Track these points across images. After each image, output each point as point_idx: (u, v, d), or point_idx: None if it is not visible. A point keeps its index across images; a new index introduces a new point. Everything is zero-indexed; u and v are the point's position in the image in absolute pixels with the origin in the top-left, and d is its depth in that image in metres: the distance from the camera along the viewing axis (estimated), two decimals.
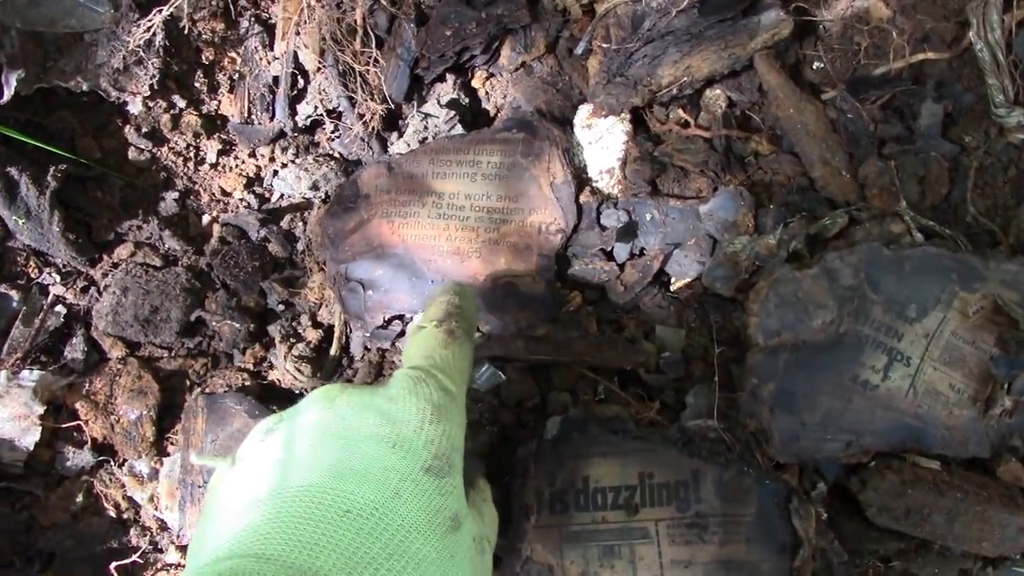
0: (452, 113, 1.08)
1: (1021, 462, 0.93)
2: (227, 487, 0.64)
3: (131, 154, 1.09)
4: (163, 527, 1.01)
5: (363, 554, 0.54)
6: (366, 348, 1.04)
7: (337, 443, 0.61)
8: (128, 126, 1.09)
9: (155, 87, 1.07)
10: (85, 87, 1.04)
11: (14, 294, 1.03)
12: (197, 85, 1.12)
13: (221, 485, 0.65)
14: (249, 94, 1.12)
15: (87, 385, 1.01)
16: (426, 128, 1.08)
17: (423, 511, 0.59)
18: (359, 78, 1.07)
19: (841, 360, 0.91)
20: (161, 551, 1.01)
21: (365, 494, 0.57)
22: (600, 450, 0.89)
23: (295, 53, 1.10)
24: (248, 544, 0.54)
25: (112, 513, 1.00)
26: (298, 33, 1.10)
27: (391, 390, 0.65)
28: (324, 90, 1.11)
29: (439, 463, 0.62)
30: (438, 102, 1.09)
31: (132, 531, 1.01)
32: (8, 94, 0.99)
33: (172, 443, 1.02)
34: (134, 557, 0.98)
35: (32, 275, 1.04)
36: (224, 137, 1.13)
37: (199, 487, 0.95)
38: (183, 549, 0.99)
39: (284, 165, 1.12)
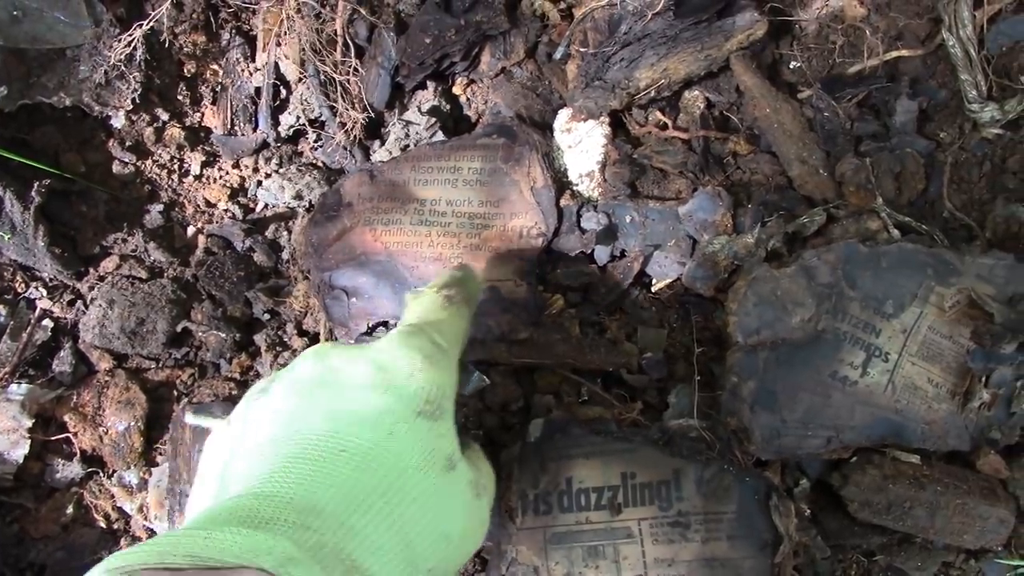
0: (433, 120, 1.09)
1: (1000, 455, 0.94)
2: (222, 446, 0.65)
3: (115, 168, 1.10)
4: (153, 537, 1.01)
5: (360, 489, 0.55)
6: None
7: (330, 391, 0.62)
8: (112, 140, 1.10)
9: (138, 101, 1.08)
10: (68, 102, 1.05)
11: (1, 309, 1.03)
12: (180, 98, 1.13)
13: (216, 445, 0.66)
14: (232, 106, 1.13)
15: (75, 398, 1.02)
16: (408, 136, 1.09)
17: (418, 450, 0.61)
18: (340, 87, 1.08)
19: (820, 357, 0.92)
20: None
21: (360, 434, 0.59)
22: (583, 451, 0.90)
23: (276, 64, 1.11)
24: (246, 486, 0.55)
25: (102, 524, 1.01)
26: (279, 44, 1.11)
27: (383, 343, 0.67)
28: (306, 100, 1.11)
29: (431, 407, 0.63)
30: (419, 109, 1.10)
31: (122, 541, 1.01)
32: None
33: (160, 453, 1.02)
34: None
35: (19, 290, 1.05)
36: (208, 149, 1.14)
37: (188, 496, 0.96)
38: None
39: (268, 175, 1.13)
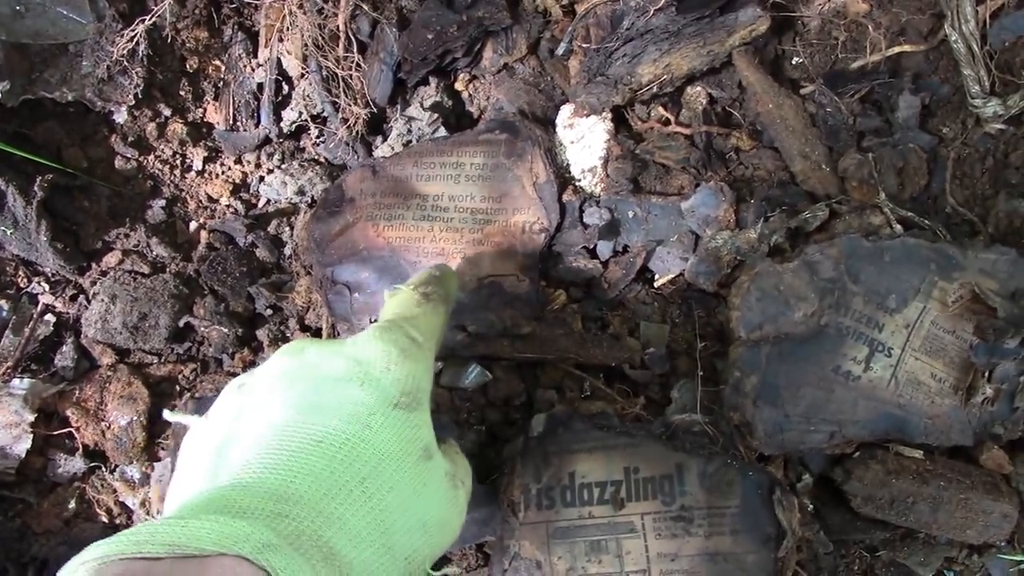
0: (435, 116, 1.09)
1: (1003, 449, 0.94)
2: (200, 441, 0.65)
3: (118, 163, 1.10)
4: None
5: (336, 477, 0.56)
6: None
7: (307, 385, 0.63)
8: (114, 135, 1.10)
9: (140, 96, 1.08)
10: (70, 97, 1.05)
11: (3, 304, 1.03)
12: (182, 93, 1.13)
13: (194, 441, 0.66)
14: (234, 101, 1.13)
15: (77, 392, 1.02)
16: (410, 131, 1.09)
17: (394, 440, 0.61)
18: (342, 83, 1.08)
19: (823, 352, 0.92)
20: None
21: (337, 426, 0.59)
22: (586, 446, 0.90)
23: (279, 60, 1.11)
24: (224, 477, 0.56)
25: (104, 519, 1.01)
26: (281, 40, 1.11)
27: (359, 337, 0.68)
28: (308, 96, 1.11)
29: (407, 399, 0.64)
30: (421, 105, 1.10)
31: None
32: None
33: (163, 448, 1.02)
34: None
35: (21, 285, 1.05)
36: (210, 144, 1.14)
37: None
38: None
39: (270, 171, 1.13)
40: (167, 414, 0.74)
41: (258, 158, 1.13)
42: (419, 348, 0.69)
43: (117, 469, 1.02)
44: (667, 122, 1.06)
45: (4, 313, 1.03)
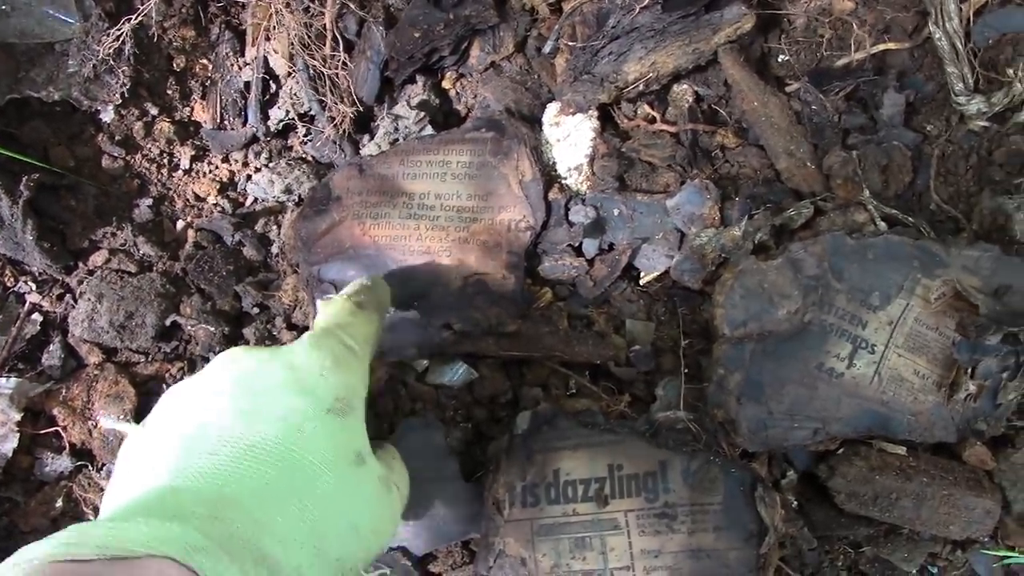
0: (422, 114, 1.09)
1: (986, 446, 0.95)
2: (136, 447, 0.65)
3: (104, 162, 1.10)
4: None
5: (269, 482, 0.57)
6: None
7: (242, 391, 0.64)
8: (101, 134, 1.10)
9: (127, 95, 1.08)
10: (57, 97, 1.05)
11: None
12: (169, 92, 1.13)
13: (131, 447, 0.66)
14: (221, 100, 1.13)
15: (64, 391, 1.02)
16: (397, 130, 1.09)
17: (327, 445, 0.63)
18: (329, 82, 1.08)
19: (806, 349, 0.92)
20: None
21: (270, 431, 0.61)
22: (570, 443, 0.90)
23: (265, 58, 1.11)
24: (157, 481, 0.57)
25: (91, 517, 1.01)
26: (268, 39, 1.11)
27: (294, 346, 0.69)
28: (295, 94, 1.11)
29: (340, 404, 0.66)
30: (408, 104, 1.10)
31: None
32: None
33: None
34: None
35: (8, 284, 1.05)
36: (197, 143, 1.14)
37: None
38: None
39: (257, 169, 1.13)
40: (103, 421, 0.75)
41: (245, 157, 1.13)
42: (353, 355, 0.71)
43: (104, 468, 1.02)
44: (653, 120, 1.06)
45: None
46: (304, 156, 1.14)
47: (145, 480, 0.59)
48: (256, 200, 1.13)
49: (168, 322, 1.04)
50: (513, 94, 1.10)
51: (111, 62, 1.06)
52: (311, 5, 1.08)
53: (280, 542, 0.54)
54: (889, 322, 0.92)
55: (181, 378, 1.05)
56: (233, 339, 1.06)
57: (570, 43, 1.06)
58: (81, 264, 1.07)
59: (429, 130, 1.09)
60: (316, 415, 0.64)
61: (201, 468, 0.57)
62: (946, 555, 0.97)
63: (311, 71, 1.10)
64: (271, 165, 1.12)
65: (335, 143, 1.11)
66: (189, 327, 1.05)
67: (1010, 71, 0.99)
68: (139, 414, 1.02)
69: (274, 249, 1.10)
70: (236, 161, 1.14)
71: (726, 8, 1.02)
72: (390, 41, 1.08)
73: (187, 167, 1.13)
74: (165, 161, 1.13)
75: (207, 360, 1.06)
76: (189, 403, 0.65)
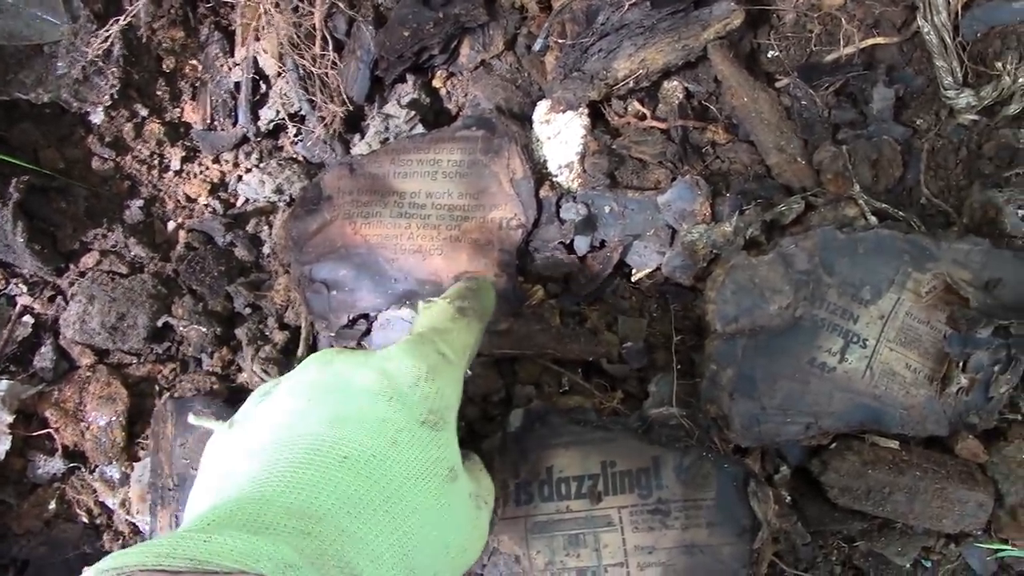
0: (413, 113, 1.09)
1: (978, 439, 0.95)
2: (224, 448, 0.64)
3: (95, 164, 1.10)
4: (135, 531, 1.02)
5: (361, 496, 0.55)
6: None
7: (334, 397, 0.62)
8: (91, 136, 1.10)
9: (116, 97, 1.08)
10: (46, 99, 1.05)
11: None
12: (159, 93, 1.13)
13: (218, 447, 0.65)
14: (211, 100, 1.13)
15: (57, 393, 1.02)
16: (387, 129, 1.09)
17: (420, 460, 0.60)
18: (319, 81, 1.08)
19: (798, 344, 0.92)
20: None
21: (363, 442, 0.58)
22: (563, 440, 0.90)
23: (255, 59, 1.11)
24: (247, 489, 0.55)
25: (84, 519, 1.01)
26: (257, 39, 1.11)
27: (389, 351, 0.66)
28: (285, 94, 1.11)
29: (434, 417, 0.63)
30: (399, 103, 1.10)
31: (105, 536, 1.01)
32: None
33: (142, 448, 1.02)
34: None
35: None
36: (187, 144, 1.14)
37: (169, 490, 0.96)
38: None
39: (248, 170, 1.13)
40: (192, 418, 0.73)
41: (236, 157, 1.13)
42: (449, 365, 0.68)
43: (97, 469, 1.02)
44: (643, 117, 1.06)
45: None
46: (295, 156, 1.14)
47: (233, 487, 0.57)
48: (247, 200, 1.13)
49: (160, 323, 1.04)
50: (503, 92, 1.10)
51: (100, 63, 1.06)
52: (300, 5, 1.07)
53: (371, 560, 0.53)
54: (880, 316, 0.92)
55: (173, 379, 1.05)
56: (225, 340, 1.06)
57: (560, 41, 1.06)
58: (72, 266, 1.06)
59: (420, 129, 1.09)
60: (409, 427, 0.61)
61: (292, 478, 0.55)
62: (939, 548, 0.97)
63: (301, 71, 1.10)
64: (262, 165, 1.12)
65: (325, 143, 1.11)
66: (181, 328, 1.05)
67: (999, 64, 0.99)
68: (131, 415, 1.02)
69: (265, 249, 1.10)
70: (227, 161, 1.14)
71: (715, 4, 1.02)
72: (380, 40, 1.08)
73: (178, 168, 1.13)
74: (155, 162, 1.13)
75: (199, 361, 1.06)
76: (279, 406, 0.63)
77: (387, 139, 1.09)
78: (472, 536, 0.66)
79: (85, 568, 0.45)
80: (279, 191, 1.10)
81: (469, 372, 0.96)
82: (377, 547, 0.54)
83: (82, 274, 1.06)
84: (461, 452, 0.67)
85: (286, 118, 1.11)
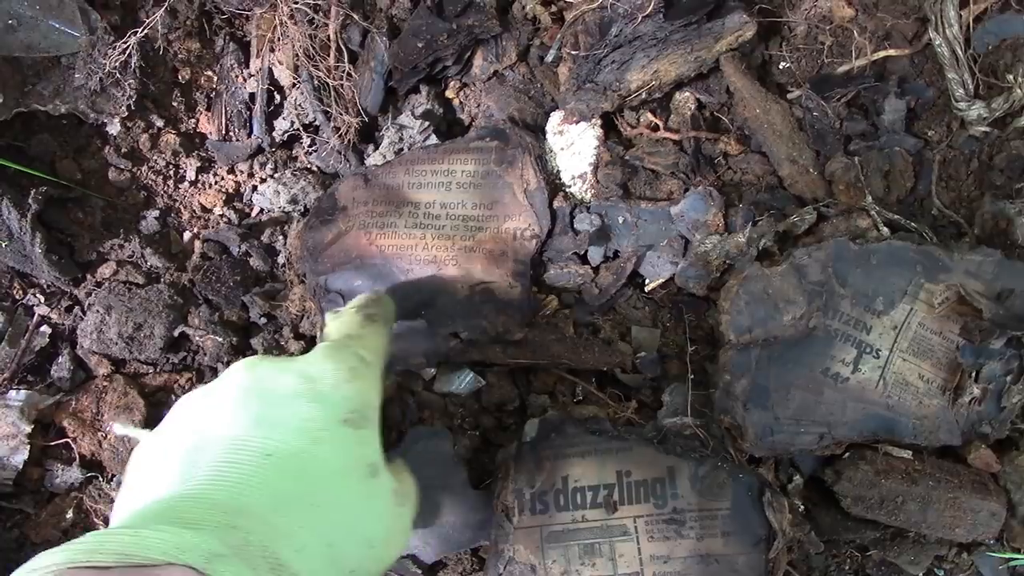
0: (426, 124, 1.10)
1: (991, 449, 0.95)
2: (148, 454, 0.65)
3: (111, 175, 1.10)
4: None
5: (285, 491, 0.57)
6: None
7: (258, 400, 0.64)
8: (107, 147, 1.11)
9: (133, 108, 1.09)
10: (64, 110, 1.06)
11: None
12: (175, 104, 1.13)
13: (143, 454, 0.66)
14: (226, 111, 1.14)
15: (74, 403, 1.03)
16: (401, 139, 1.10)
17: (342, 456, 0.63)
18: (334, 92, 1.09)
19: (812, 354, 0.93)
20: None
21: (286, 440, 0.61)
22: (578, 450, 0.91)
23: (270, 70, 1.12)
24: (172, 490, 0.57)
25: (102, 528, 1.02)
26: (272, 50, 1.11)
27: (309, 356, 0.70)
28: (300, 105, 1.12)
29: (355, 416, 0.66)
30: (412, 113, 1.11)
31: None
32: None
33: None
34: None
35: (16, 296, 1.06)
36: (203, 155, 1.14)
37: None
38: None
39: (263, 180, 1.14)
40: (115, 428, 0.75)
41: (251, 168, 1.14)
42: (367, 367, 0.71)
43: (114, 479, 1.03)
44: (656, 128, 1.07)
45: (0, 325, 1.04)
46: (309, 166, 1.15)
47: (159, 487, 0.59)
48: (262, 211, 1.14)
49: (176, 333, 1.05)
50: (516, 103, 1.10)
51: (117, 75, 1.06)
52: (315, 16, 1.08)
53: (296, 550, 0.54)
54: (893, 327, 0.93)
55: (189, 389, 1.06)
56: (241, 349, 1.07)
57: (572, 52, 1.07)
58: (89, 276, 1.07)
59: (433, 139, 1.10)
60: (331, 426, 0.64)
61: (217, 476, 0.57)
62: (952, 558, 0.98)
63: (315, 82, 1.10)
64: (276, 176, 1.13)
65: (340, 153, 1.11)
66: (197, 338, 1.06)
67: (1010, 77, 1.00)
68: (149, 424, 1.03)
69: (280, 259, 1.11)
70: (242, 172, 1.14)
71: (727, 16, 1.03)
72: (394, 51, 1.09)
73: (193, 178, 1.13)
74: (171, 173, 1.13)
75: (215, 370, 1.06)
76: (204, 411, 0.65)
77: (401, 150, 1.10)
78: (395, 530, 0.68)
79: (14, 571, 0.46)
80: (294, 201, 1.11)
81: (481, 380, 0.99)
82: (301, 538, 0.56)
83: (99, 284, 1.06)
84: (384, 456, 0.69)
85: (301, 129, 1.12)
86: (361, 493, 0.64)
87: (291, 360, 0.69)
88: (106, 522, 1.02)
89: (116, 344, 1.03)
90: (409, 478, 0.75)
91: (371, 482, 0.65)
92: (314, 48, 1.09)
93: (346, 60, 1.09)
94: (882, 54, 1.05)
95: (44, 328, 1.05)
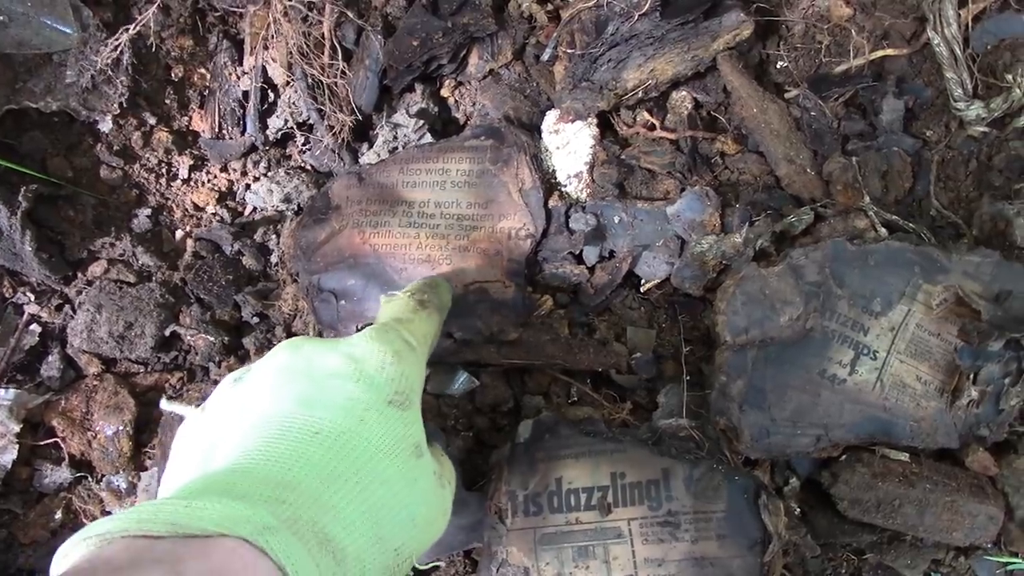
0: (421, 122, 1.09)
1: (989, 452, 0.94)
2: (196, 431, 0.66)
3: (103, 172, 1.10)
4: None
5: (333, 468, 0.58)
6: None
7: (304, 379, 0.65)
8: (99, 145, 1.10)
9: (125, 105, 1.08)
10: (55, 107, 1.05)
11: None
12: (167, 102, 1.13)
13: (190, 431, 0.68)
14: (219, 109, 1.13)
15: (63, 402, 1.02)
16: (396, 138, 1.09)
17: (387, 436, 0.63)
18: (328, 90, 1.08)
19: (808, 355, 0.92)
20: None
21: (333, 419, 0.61)
22: (572, 452, 0.90)
23: (264, 67, 1.11)
24: (222, 464, 0.57)
25: None
26: (266, 48, 1.11)
27: (355, 338, 0.70)
28: (294, 103, 1.11)
29: (400, 398, 0.66)
30: (407, 112, 1.10)
31: None
32: None
33: (149, 458, 1.02)
34: None
35: (6, 295, 1.05)
36: (195, 153, 1.13)
37: None
38: None
39: (256, 179, 1.13)
40: (163, 403, 0.76)
41: (244, 166, 1.13)
42: (412, 351, 0.71)
43: (104, 479, 1.02)
44: (652, 127, 1.06)
45: None
46: (303, 165, 1.14)
47: (208, 462, 0.60)
48: (255, 209, 1.13)
49: (167, 332, 1.04)
50: (512, 102, 1.09)
51: (109, 72, 1.06)
52: (309, 14, 1.07)
53: (343, 527, 0.55)
54: (891, 328, 0.92)
55: (180, 389, 1.05)
56: (233, 349, 1.06)
57: (568, 50, 1.06)
58: (80, 274, 1.06)
59: (428, 138, 1.09)
60: (377, 406, 0.64)
61: (266, 451, 0.57)
62: (949, 561, 0.97)
63: (309, 80, 1.09)
64: (270, 174, 1.12)
65: (334, 152, 1.11)
66: (188, 337, 1.05)
67: (1009, 76, 0.99)
68: (138, 425, 1.02)
69: (273, 258, 1.10)
70: (235, 170, 1.13)
71: (724, 15, 1.02)
72: (388, 50, 1.08)
73: (185, 177, 1.13)
74: (163, 171, 1.12)
75: (206, 370, 1.06)
76: (249, 389, 0.66)
77: (395, 148, 1.09)
78: (437, 511, 0.68)
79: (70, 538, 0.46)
80: (287, 200, 1.10)
81: (476, 380, 0.98)
82: (348, 515, 0.56)
83: (90, 283, 1.06)
84: (427, 439, 0.70)
85: (294, 127, 1.11)
86: (406, 473, 0.64)
87: (337, 341, 0.70)
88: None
89: (107, 343, 1.02)
90: (448, 461, 0.75)
91: (416, 462, 0.65)
92: (308, 46, 1.08)
93: (340, 58, 1.08)
94: (880, 53, 1.04)
95: (34, 327, 1.04)
